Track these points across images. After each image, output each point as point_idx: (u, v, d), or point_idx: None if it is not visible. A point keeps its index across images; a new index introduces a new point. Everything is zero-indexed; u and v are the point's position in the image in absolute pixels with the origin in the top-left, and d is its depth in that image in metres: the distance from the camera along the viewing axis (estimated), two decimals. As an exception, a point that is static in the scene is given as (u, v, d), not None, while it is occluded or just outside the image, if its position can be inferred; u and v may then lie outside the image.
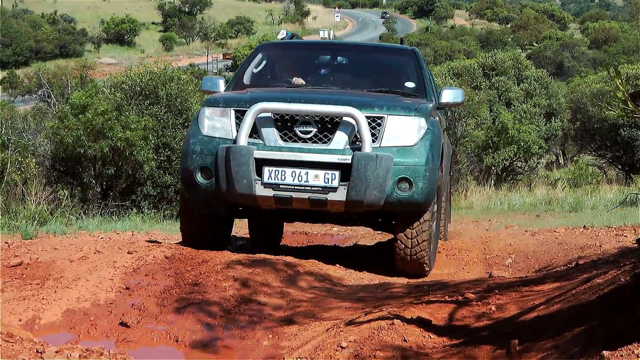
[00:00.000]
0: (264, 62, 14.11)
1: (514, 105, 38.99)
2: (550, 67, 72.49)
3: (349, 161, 10.05)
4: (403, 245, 11.06)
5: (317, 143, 10.37)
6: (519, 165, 35.13)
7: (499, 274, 12.73)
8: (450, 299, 10.55)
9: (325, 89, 12.74)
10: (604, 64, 68.87)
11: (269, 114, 10.50)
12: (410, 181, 10.26)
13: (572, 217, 21.18)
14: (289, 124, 10.50)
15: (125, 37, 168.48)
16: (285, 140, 10.45)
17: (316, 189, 10.17)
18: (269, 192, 10.28)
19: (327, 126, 10.39)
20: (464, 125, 33.41)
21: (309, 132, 10.34)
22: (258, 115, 10.49)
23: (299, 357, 8.70)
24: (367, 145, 10.04)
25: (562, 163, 41.50)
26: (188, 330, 10.30)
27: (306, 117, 10.40)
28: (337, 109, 10.28)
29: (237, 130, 10.69)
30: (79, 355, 7.05)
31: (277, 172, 10.15)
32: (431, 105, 12.27)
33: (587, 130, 38.66)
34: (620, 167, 37.20)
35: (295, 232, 17.06)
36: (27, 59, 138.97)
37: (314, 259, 14.01)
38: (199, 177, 10.59)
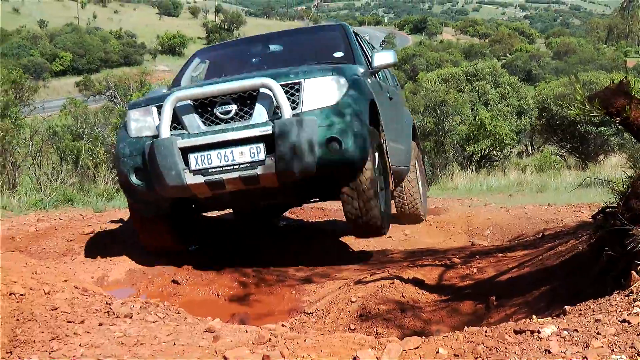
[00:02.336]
0: (202, 66, 13.17)
1: (491, 105, 38.98)
2: (521, 74, 72.29)
3: (271, 131, 8.96)
4: (352, 208, 9.79)
5: (240, 121, 9.26)
6: (495, 154, 35.01)
7: (480, 243, 12.73)
8: (439, 263, 10.54)
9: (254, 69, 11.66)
10: (565, 72, 68.68)
11: (189, 102, 9.39)
12: (339, 140, 9.02)
13: (539, 196, 21.10)
14: (208, 107, 9.36)
15: (176, 49, 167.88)
16: (208, 125, 9.34)
17: (244, 165, 9.02)
18: (200, 179, 9.15)
19: (247, 102, 9.25)
20: (451, 121, 33.36)
21: (229, 111, 9.23)
22: (177, 105, 9.37)
23: (317, 310, 8.67)
24: (287, 112, 8.94)
25: (530, 152, 41.51)
26: (227, 287, 10.35)
27: (224, 98, 9.26)
28: (250, 82, 9.10)
29: None
30: (140, 307, 7.03)
31: (203, 157, 9.05)
32: (359, 68, 10.70)
33: (551, 125, 38.66)
34: (577, 155, 37.20)
35: (313, 208, 16.83)
36: (98, 67, 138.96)
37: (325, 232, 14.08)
38: (134, 179, 9.56)
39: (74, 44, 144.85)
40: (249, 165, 8.91)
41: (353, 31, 12.65)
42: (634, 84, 8.13)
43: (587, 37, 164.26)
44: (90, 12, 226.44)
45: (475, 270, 10.16)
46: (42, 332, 6.12)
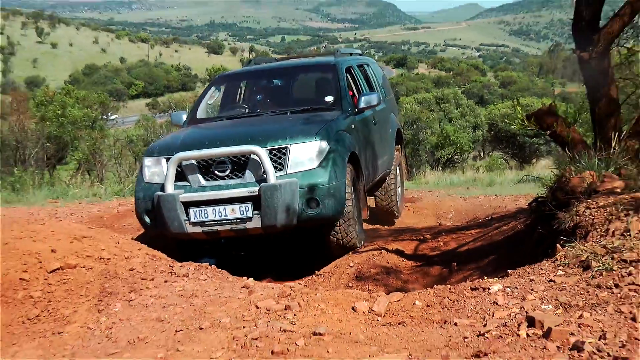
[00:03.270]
0: (216, 94, 11.87)
1: (454, 121, 39.18)
2: (475, 98, 72.47)
3: (257, 193, 8.38)
4: (336, 239, 9.19)
5: (234, 178, 8.66)
6: (456, 158, 35.30)
7: (445, 223, 12.71)
8: (415, 238, 10.53)
9: (252, 118, 10.45)
10: (508, 97, 68.93)
11: (192, 161, 8.75)
12: (317, 200, 8.45)
13: (488, 189, 21.01)
14: (208, 165, 8.72)
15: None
16: (207, 180, 8.73)
17: (235, 220, 8.46)
18: (198, 229, 8.60)
19: (240, 162, 8.65)
20: (424, 133, 33.71)
21: (225, 169, 8.64)
22: (183, 163, 8.74)
23: (324, 272, 8.76)
24: (271, 177, 8.32)
25: (482, 156, 41.65)
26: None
27: (220, 159, 8.65)
28: (241, 149, 8.51)
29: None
30: (194, 268, 7.09)
31: (201, 212, 8.52)
32: (344, 116, 10.00)
33: (497, 137, 39.07)
34: (516, 159, 37.55)
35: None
36: (162, 92, 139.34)
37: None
38: (146, 219, 9.02)
39: (145, 74, 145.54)
40: (239, 220, 8.46)
41: (347, 66, 11.47)
42: (559, 107, 8.25)
43: (524, 71, 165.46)
44: (157, 51, 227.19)
45: (441, 244, 10.19)
46: (123, 287, 6.19)
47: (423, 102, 41.16)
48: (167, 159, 8.79)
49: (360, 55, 13.67)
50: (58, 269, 6.33)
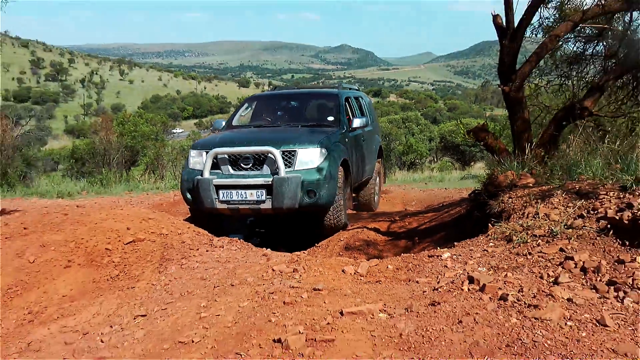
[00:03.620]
0: (248, 109, 11.95)
1: (415, 135, 39.15)
2: (430, 119, 72.64)
3: (270, 182, 8.57)
4: (328, 222, 9.27)
5: (254, 170, 8.82)
6: (417, 161, 35.27)
7: (409, 209, 12.65)
8: (388, 220, 10.47)
9: (273, 127, 10.56)
10: (453, 118, 69.29)
11: (225, 155, 8.89)
12: (314, 191, 8.65)
13: (440, 184, 20.97)
14: (236, 159, 8.88)
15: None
16: (235, 170, 8.87)
17: (252, 202, 8.67)
18: (224, 206, 8.76)
19: (260, 159, 8.80)
20: (394, 144, 33.74)
21: (248, 163, 8.82)
22: (218, 156, 8.91)
23: (322, 244, 8.67)
24: (282, 171, 8.53)
25: (436, 160, 41.51)
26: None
27: (245, 155, 8.83)
28: (262, 149, 8.70)
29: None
30: (227, 242, 7.06)
31: (227, 193, 8.73)
32: (340, 132, 10.11)
33: (446, 146, 39.09)
34: (460, 162, 37.45)
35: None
36: (206, 114, 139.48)
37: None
38: (187, 196, 9.14)
39: (193, 102, 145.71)
40: (255, 202, 8.66)
41: (346, 96, 11.57)
42: (490, 125, 8.38)
43: (464, 99, 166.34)
44: (202, 85, 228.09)
45: (407, 223, 10.13)
46: (177, 255, 6.19)
47: (393, 121, 41.27)
48: (207, 152, 8.98)
49: (356, 90, 13.75)
50: (131, 241, 6.42)
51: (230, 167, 8.88)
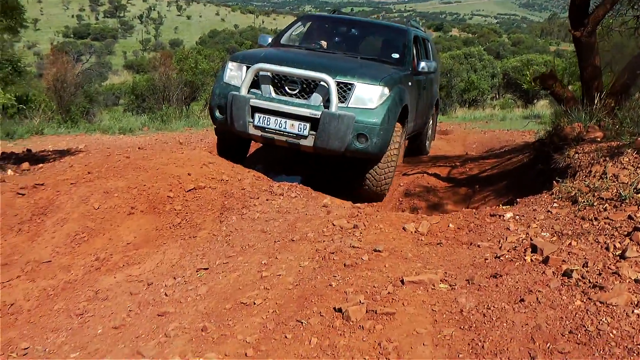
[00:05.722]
0: (300, 28, 10.54)
1: (477, 71, 38.31)
2: (493, 54, 71.14)
3: (318, 116, 7.40)
4: (369, 183, 8.09)
5: (300, 98, 7.63)
6: (479, 98, 34.66)
7: (470, 153, 12.49)
8: (448, 165, 10.36)
9: (327, 53, 9.15)
10: (517, 53, 67.66)
11: (268, 73, 7.70)
12: (366, 136, 7.42)
13: (502, 123, 20.61)
14: (281, 81, 7.68)
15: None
16: (277, 93, 7.70)
17: (292, 134, 7.57)
18: (258, 132, 7.71)
19: (310, 85, 7.58)
20: (455, 80, 33.22)
21: (295, 89, 7.61)
22: (260, 73, 7.72)
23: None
24: (334, 106, 7.36)
25: (498, 97, 40.73)
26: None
27: (293, 78, 7.62)
28: (313, 75, 7.51)
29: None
30: (287, 188, 6.99)
31: (264, 119, 7.60)
32: (403, 74, 8.73)
33: (509, 83, 38.10)
34: (522, 100, 36.66)
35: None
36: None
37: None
38: (217, 113, 8.06)
39: (251, 36, 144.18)
40: (295, 135, 7.54)
41: (414, 35, 10.20)
42: (558, 65, 8.15)
43: (529, 34, 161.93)
44: (260, 20, 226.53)
45: (467, 169, 10.01)
46: (237, 204, 6.20)
47: (455, 57, 40.38)
48: (248, 67, 7.88)
49: (423, 32, 12.01)
50: (192, 189, 6.44)
51: (272, 89, 7.76)
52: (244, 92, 7.67)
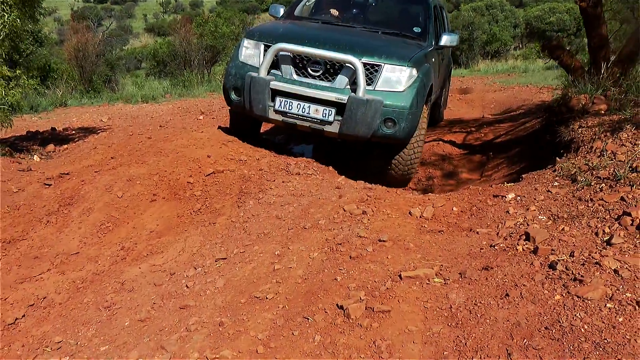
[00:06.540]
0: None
1: (498, 22, 37.88)
2: (516, 2, 70.20)
3: (345, 101, 6.95)
4: (396, 168, 7.75)
5: (324, 80, 7.15)
6: (501, 50, 34.36)
7: (486, 115, 12.57)
8: (464, 130, 10.51)
9: (346, 28, 8.50)
10: (540, 1, 66.56)
11: (289, 53, 7.25)
12: (394, 121, 6.98)
13: (523, 75, 20.59)
14: (303, 61, 7.22)
15: None
16: (298, 75, 7.24)
17: (316, 120, 7.14)
18: (279, 117, 7.30)
19: (335, 67, 7.12)
20: (476, 32, 32.88)
21: (318, 70, 7.14)
22: (280, 53, 7.26)
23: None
24: (362, 90, 6.89)
25: (520, 47, 40.29)
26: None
27: (317, 59, 7.15)
28: (340, 56, 6.99)
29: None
30: (304, 165, 7.12)
31: (286, 103, 7.18)
32: (429, 49, 8.25)
33: (531, 32, 37.78)
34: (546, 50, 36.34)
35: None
36: (284, 5, 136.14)
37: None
38: (232, 94, 7.60)
39: None
40: (319, 121, 7.13)
41: (434, 6, 9.53)
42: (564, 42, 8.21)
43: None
44: None
45: (482, 135, 10.16)
46: (254, 188, 6.37)
47: (476, 9, 39.96)
48: (266, 45, 7.42)
49: None
50: (212, 173, 6.64)
51: (293, 70, 7.31)
52: (263, 73, 7.26)
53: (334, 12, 9.35)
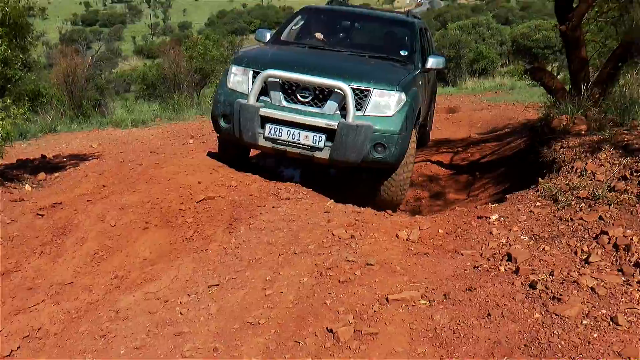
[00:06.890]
0: (300, 22, 9.75)
1: (485, 40, 38.28)
2: (502, 20, 70.64)
3: (335, 127, 6.92)
4: (386, 193, 7.65)
5: (313, 106, 7.12)
6: (488, 67, 34.58)
7: (473, 134, 12.71)
8: (451, 151, 10.67)
9: (333, 52, 8.49)
10: (526, 18, 67.13)
11: (278, 80, 7.18)
12: (384, 146, 6.95)
13: (510, 93, 20.84)
14: (292, 88, 7.17)
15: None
16: (288, 101, 7.18)
17: (306, 147, 7.11)
18: (269, 144, 7.25)
19: (324, 92, 7.07)
20: (464, 51, 33.13)
21: (307, 96, 7.11)
22: (268, 79, 7.17)
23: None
24: (351, 116, 6.86)
25: (507, 64, 40.61)
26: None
27: (306, 85, 7.10)
28: (329, 82, 6.96)
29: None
30: (293, 190, 7.17)
31: (275, 129, 7.13)
32: (416, 73, 8.17)
33: (518, 49, 38.09)
34: (532, 65, 36.67)
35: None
36: (273, 26, 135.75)
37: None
38: (222, 122, 7.55)
39: (260, 15, 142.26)
40: (309, 147, 7.11)
41: (420, 29, 9.59)
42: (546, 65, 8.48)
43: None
44: None
45: (469, 155, 10.32)
46: (245, 213, 6.44)
47: (463, 27, 40.31)
48: (255, 72, 7.36)
49: (420, 19, 10.69)
50: (203, 199, 6.70)
51: (282, 96, 7.26)
52: (252, 100, 7.23)
53: (319, 35, 9.36)
